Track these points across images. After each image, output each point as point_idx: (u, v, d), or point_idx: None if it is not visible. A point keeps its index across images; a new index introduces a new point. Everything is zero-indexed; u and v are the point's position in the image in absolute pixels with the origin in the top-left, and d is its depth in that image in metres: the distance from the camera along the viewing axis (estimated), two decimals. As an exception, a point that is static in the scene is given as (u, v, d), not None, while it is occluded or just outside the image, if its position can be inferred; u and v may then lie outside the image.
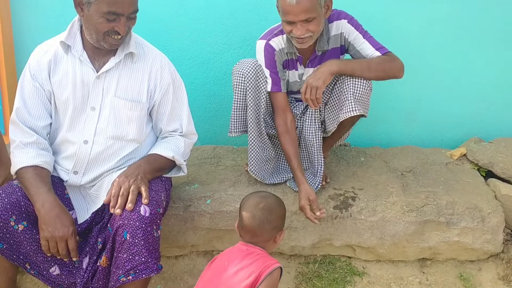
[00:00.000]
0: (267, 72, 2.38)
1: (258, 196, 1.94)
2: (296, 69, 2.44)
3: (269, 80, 2.39)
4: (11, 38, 2.81)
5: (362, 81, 2.29)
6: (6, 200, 1.90)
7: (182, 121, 2.19)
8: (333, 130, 2.44)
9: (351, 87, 2.29)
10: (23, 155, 2.00)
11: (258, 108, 2.40)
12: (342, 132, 2.55)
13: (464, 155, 2.85)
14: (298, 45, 2.27)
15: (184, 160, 2.22)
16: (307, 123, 2.50)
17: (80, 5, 1.93)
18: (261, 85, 2.39)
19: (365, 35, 2.36)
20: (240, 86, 2.36)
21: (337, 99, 2.38)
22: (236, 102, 2.41)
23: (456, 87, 2.98)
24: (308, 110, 2.50)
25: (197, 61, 2.90)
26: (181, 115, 2.19)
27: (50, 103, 2.09)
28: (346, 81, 2.32)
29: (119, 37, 1.96)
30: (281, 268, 1.84)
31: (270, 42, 2.36)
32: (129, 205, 1.88)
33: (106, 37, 1.95)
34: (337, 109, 2.38)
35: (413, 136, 3.07)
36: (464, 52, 2.92)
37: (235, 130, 2.47)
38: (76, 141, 2.07)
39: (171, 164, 2.18)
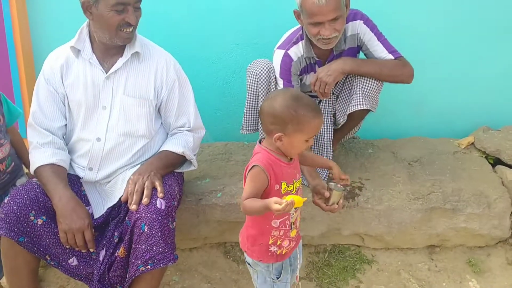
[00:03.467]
0: (280, 81, 2.41)
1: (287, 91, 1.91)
2: (315, 71, 2.45)
3: (280, 85, 2.41)
4: (30, 46, 2.96)
5: (371, 78, 2.35)
6: (25, 196, 2.03)
7: (189, 116, 2.29)
8: (342, 122, 2.50)
9: (360, 82, 2.36)
10: (40, 155, 2.12)
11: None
12: (352, 126, 2.60)
13: (472, 143, 2.87)
14: (323, 46, 2.27)
15: (194, 155, 2.32)
16: None
17: (89, 9, 2.05)
18: (273, 86, 2.44)
19: (380, 37, 2.39)
20: (253, 87, 2.45)
21: (348, 92, 2.46)
22: (248, 102, 2.50)
23: (464, 77, 3.00)
24: (321, 103, 2.55)
25: (207, 61, 2.99)
26: (188, 110, 2.29)
27: (64, 105, 2.22)
28: (357, 76, 2.38)
29: (130, 29, 2.07)
30: (259, 166, 1.77)
31: (289, 52, 2.37)
32: (145, 200, 1.98)
33: (118, 32, 2.06)
34: (346, 102, 2.46)
35: (422, 127, 3.10)
36: (471, 43, 2.94)
37: (247, 128, 2.57)
38: (90, 138, 2.19)
39: (182, 159, 2.28)
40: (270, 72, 2.42)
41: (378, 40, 2.36)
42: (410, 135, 3.04)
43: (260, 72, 2.42)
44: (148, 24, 2.85)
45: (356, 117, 2.50)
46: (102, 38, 2.11)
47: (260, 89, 2.44)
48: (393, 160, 2.74)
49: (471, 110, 3.06)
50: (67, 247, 2.03)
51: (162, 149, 2.25)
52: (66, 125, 2.25)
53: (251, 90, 2.47)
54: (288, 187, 1.82)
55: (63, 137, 2.25)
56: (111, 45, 2.13)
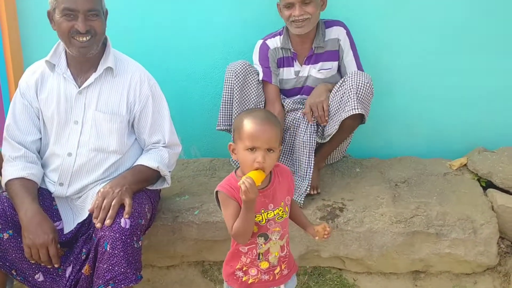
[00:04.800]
0: (259, 68, 2.58)
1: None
2: (292, 66, 2.60)
3: (261, 72, 2.57)
4: (21, 60, 2.99)
5: (365, 83, 2.39)
6: None
7: (164, 132, 2.26)
8: (333, 133, 2.47)
9: (355, 87, 2.38)
10: (11, 168, 2.12)
11: (244, 104, 2.54)
12: (341, 138, 2.56)
13: (465, 165, 2.77)
14: (296, 30, 2.45)
15: (169, 171, 2.28)
16: (303, 124, 2.55)
17: (52, 17, 2.07)
18: (250, 83, 2.54)
19: (355, 53, 2.58)
20: (228, 81, 2.53)
21: (338, 101, 2.46)
22: (224, 97, 2.57)
23: (458, 97, 2.91)
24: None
25: (194, 76, 2.97)
26: (163, 126, 2.26)
27: (39, 119, 2.21)
28: (349, 82, 2.42)
29: (83, 38, 2.05)
30: (221, 191, 1.75)
31: (267, 42, 2.60)
32: (107, 221, 1.94)
33: (71, 40, 2.06)
34: (338, 110, 2.44)
35: (416, 147, 3.00)
36: (467, 61, 2.85)
37: (223, 123, 2.62)
38: (61, 153, 2.18)
39: (156, 175, 2.24)
40: (246, 69, 2.54)
41: (353, 56, 2.58)
42: (402, 154, 2.96)
43: (236, 69, 2.52)
44: (136, 40, 2.89)
45: (347, 128, 2.48)
46: (67, 49, 2.11)
47: (235, 84, 2.52)
48: (379, 181, 2.66)
49: (466, 130, 2.95)
50: (32, 262, 2.01)
51: (136, 163, 2.22)
52: (40, 139, 2.24)
53: (226, 85, 2.55)
54: (255, 217, 1.73)
55: (38, 151, 2.25)
56: (84, 60, 2.13)
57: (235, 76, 2.52)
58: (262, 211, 1.76)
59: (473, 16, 2.77)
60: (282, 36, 2.58)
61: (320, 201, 2.48)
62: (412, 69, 2.88)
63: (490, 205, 2.44)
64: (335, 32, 2.57)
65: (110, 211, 1.96)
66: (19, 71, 2.94)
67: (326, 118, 2.48)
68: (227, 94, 2.56)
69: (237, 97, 2.52)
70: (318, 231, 1.84)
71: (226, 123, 2.61)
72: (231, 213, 1.72)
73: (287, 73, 2.62)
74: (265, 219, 1.76)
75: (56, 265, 2.01)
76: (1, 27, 2.85)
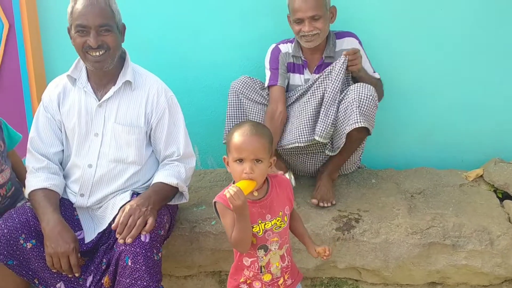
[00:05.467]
0: (268, 72, 2.66)
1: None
2: (302, 73, 2.66)
3: (267, 76, 2.65)
4: (44, 75, 3.08)
5: (367, 96, 2.41)
6: (16, 220, 2.08)
7: (179, 144, 2.30)
8: (341, 145, 2.50)
9: (357, 101, 2.40)
10: (34, 179, 2.19)
11: (246, 118, 2.63)
12: (351, 150, 2.59)
13: (481, 176, 2.77)
14: (306, 44, 2.52)
15: (186, 186, 2.32)
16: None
17: (69, 32, 2.16)
18: (252, 98, 2.63)
19: (367, 59, 2.59)
20: (230, 98, 2.62)
21: (343, 113, 2.48)
22: (228, 113, 2.65)
23: (474, 107, 2.92)
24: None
25: (211, 89, 3.03)
26: (178, 138, 2.30)
27: (61, 131, 2.29)
28: (351, 94, 2.43)
29: (96, 53, 2.12)
30: (219, 202, 1.80)
31: (279, 46, 2.69)
32: (128, 240, 1.97)
33: (86, 55, 2.14)
34: (343, 123, 2.47)
35: (431, 158, 3.01)
36: (482, 71, 2.87)
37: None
38: (81, 165, 2.24)
39: (175, 192, 2.28)
40: (249, 83, 2.64)
41: (367, 60, 2.63)
42: (417, 165, 2.96)
43: (237, 85, 2.63)
44: (155, 53, 2.96)
45: (354, 140, 2.51)
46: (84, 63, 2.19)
47: (236, 101, 2.63)
48: (395, 191, 2.67)
49: (482, 141, 2.96)
50: (54, 270, 2.06)
51: (155, 180, 2.25)
52: (63, 150, 2.31)
53: (230, 99, 2.65)
54: (252, 227, 1.76)
55: (60, 163, 2.31)
56: (102, 73, 2.20)
57: (234, 93, 2.63)
58: (259, 221, 1.79)
59: (490, 26, 2.79)
60: (293, 44, 2.65)
61: (336, 212, 2.50)
62: (427, 79, 2.90)
63: (507, 216, 2.43)
64: (347, 43, 2.61)
65: (134, 231, 1.99)
66: (41, 85, 3.03)
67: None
68: (230, 110, 2.65)
69: (239, 112, 2.63)
70: (319, 252, 1.88)
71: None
72: (229, 222, 1.76)
73: (297, 80, 2.67)
74: (263, 230, 1.79)
75: (76, 274, 2.06)
76: (24, 42, 2.94)
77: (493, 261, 2.30)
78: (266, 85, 2.66)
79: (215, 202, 1.80)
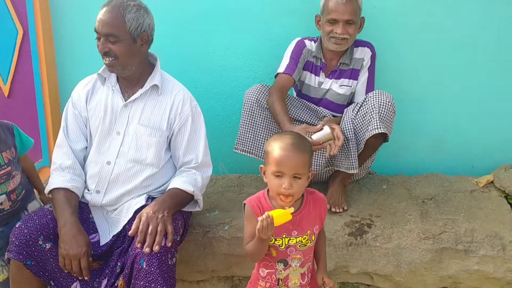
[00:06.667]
0: (286, 60, 2.62)
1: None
2: (318, 75, 2.68)
3: (284, 63, 2.62)
4: (56, 82, 3.11)
5: (386, 102, 2.43)
6: (37, 221, 2.11)
7: (198, 152, 2.33)
8: (360, 151, 2.51)
9: (377, 107, 2.42)
10: (59, 178, 2.24)
11: (260, 128, 2.61)
12: (365, 157, 2.61)
13: (492, 182, 2.78)
14: (333, 46, 2.53)
15: (201, 195, 2.34)
16: None
17: None
18: (265, 106, 2.58)
19: (370, 77, 2.66)
20: (245, 107, 2.59)
21: (361, 120, 2.50)
22: (242, 121, 2.62)
23: (485, 114, 2.94)
24: None
25: (222, 95, 3.05)
26: (198, 146, 2.34)
27: (86, 128, 2.35)
28: (371, 101, 2.46)
29: (106, 59, 2.20)
30: (247, 204, 1.81)
31: (305, 41, 2.67)
32: (156, 248, 1.98)
33: (103, 60, 2.21)
34: (362, 129, 2.49)
35: (441, 164, 3.03)
36: (492, 78, 2.89)
37: (240, 147, 2.65)
38: (100, 161, 2.29)
39: (190, 199, 2.30)
40: (262, 92, 2.59)
41: (368, 80, 2.65)
42: (428, 171, 2.98)
43: (253, 94, 2.59)
44: (167, 58, 2.97)
45: (370, 146, 2.52)
46: None
47: (250, 111, 2.58)
48: (406, 197, 2.68)
49: (493, 147, 2.98)
50: (65, 271, 2.09)
51: (171, 186, 2.27)
52: (86, 147, 2.36)
53: (244, 109, 2.59)
54: (275, 240, 1.73)
55: (84, 160, 2.35)
56: (126, 77, 2.27)
57: (249, 102, 2.58)
58: (284, 236, 1.75)
59: (501, 35, 2.81)
60: (316, 44, 2.65)
61: (348, 217, 2.51)
62: (438, 86, 2.91)
63: (518, 222, 2.45)
64: (361, 52, 2.64)
65: (157, 238, 2.00)
66: (54, 91, 3.08)
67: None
68: (244, 118, 2.61)
69: (253, 122, 2.60)
70: (325, 282, 1.84)
71: (242, 147, 2.64)
72: (249, 231, 1.74)
73: (313, 80, 2.69)
74: (285, 245, 1.75)
75: (86, 277, 2.08)
76: (37, 48, 2.97)
77: (505, 266, 2.32)
78: (279, 71, 2.62)
79: (244, 204, 1.80)
